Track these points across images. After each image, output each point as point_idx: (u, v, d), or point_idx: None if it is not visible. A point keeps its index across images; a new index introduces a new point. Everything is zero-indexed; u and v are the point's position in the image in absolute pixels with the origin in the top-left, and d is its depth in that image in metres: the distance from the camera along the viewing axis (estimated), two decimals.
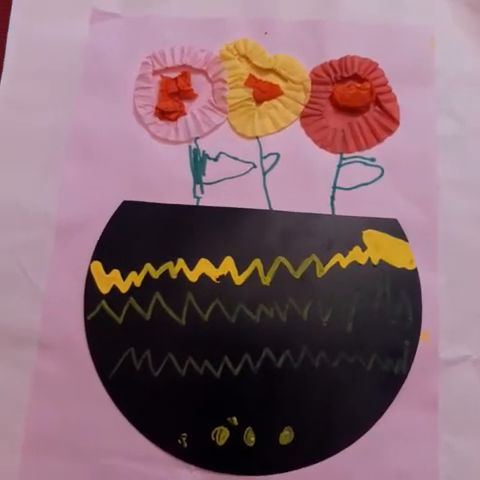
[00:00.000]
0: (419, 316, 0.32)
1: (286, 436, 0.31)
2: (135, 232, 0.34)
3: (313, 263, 0.33)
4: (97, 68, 0.37)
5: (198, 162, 0.35)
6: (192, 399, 0.32)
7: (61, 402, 0.32)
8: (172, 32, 0.37)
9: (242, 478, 0.31)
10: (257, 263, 0.33)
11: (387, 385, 0.32)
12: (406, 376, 0.32)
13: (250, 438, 0.31)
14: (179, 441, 0.31)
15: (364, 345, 0.32)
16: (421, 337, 0.32)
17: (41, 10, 0.38)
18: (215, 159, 0.35)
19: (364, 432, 0.31)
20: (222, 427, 0.31)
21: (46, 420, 0.31)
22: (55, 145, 0.35)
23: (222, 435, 0.31)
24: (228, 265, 0.33)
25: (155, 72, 0.37)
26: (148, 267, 0.33)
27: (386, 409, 0.31)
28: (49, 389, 0.32)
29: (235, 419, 0.31)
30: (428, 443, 0.31)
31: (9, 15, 0.38)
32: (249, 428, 0.31)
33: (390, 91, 0.36)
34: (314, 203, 0.34)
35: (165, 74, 0.37)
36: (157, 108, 0.36)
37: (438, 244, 0.33)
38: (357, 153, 0.35)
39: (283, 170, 0.35)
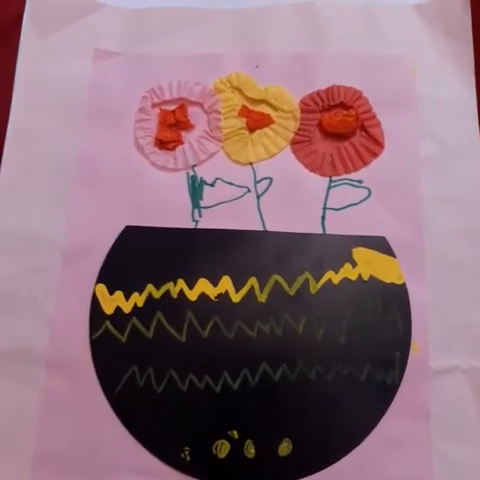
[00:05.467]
0: (409, 328, 0.34)
1: (285, 447, 0.32)
2: (137, 255, 0.36)
3: (306, 280, 0.35)
4: (100, 103, 0.39)
5: (196, 188, 0.37)
6: (194, 414, 0.33)
7: (68, 419, 0.33)
8: (169, 68, 0.40)
9: None
10: (253, 281, 0.35)
11: (380, 395, 0.33)
12: (398, 386, 0.33)
13: (250, 450, 0.32)
14: (182, 455, 0.32)
15: (357, 357, 0.33)
16: (411, 348, 0.33)
17: (46, 51, 0.40)
18: (212, 184, 0.37)
19: (360, 442, 0.32)
20: (223, 440, 0.32)
21: (54, 437, 0.32)
22: (62, 175, 0.37)
23: (223, 448, 0.32)
24: (226, 284, 0.35)
25: (154, 105, 0.39)
26: (150, 288, 0.35)
27: (380, 419, 0.32)
28: (57, 407, 0.33)
29: (235, 432, 0.32)
30: (422, 451, 0.32)
31: (16, 55, 0.40)
32: (249, 441, 0.32)
33: (374, 117, 0.38)
34: (306, 223, 0.36)
35: (163, 107, 0.39)
36: (156, 138, 0.38)
37: (425, 259, 0.35)
38: (345, 176, 0.37)
39: (276, 193, 0.37)
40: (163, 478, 0.32)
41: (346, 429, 0.32)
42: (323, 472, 0.32)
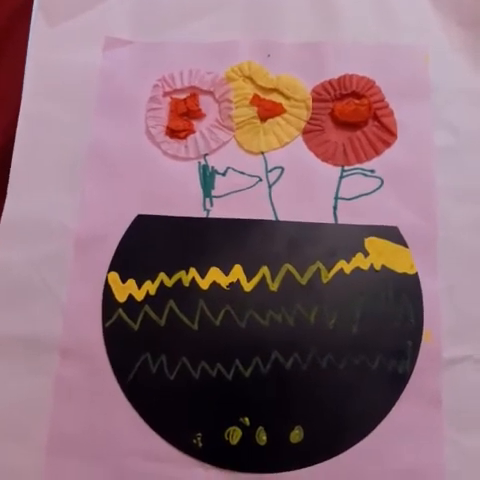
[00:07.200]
0: (421, 318, 0.34)
1: (296, 435, 0.32)
2: (149, 244, 0.36)
3: (318, 270, 0.35)
4: (111, 91, 0.39)
5: (207, 177, 0.37)
6: (206, 401, 0.33)
7: (82, 406, 0.33)
8: (180, 56, 0.40)
9: (255, 476, 0.32)
10: (265, 270, 0.35)
11: (392, 384, 0.33)
12: (410, 375, 0.33)
13: (262, 437, 0.32)
14: (194, 441, 0.32)
15: (369, 346, 0.33)
16: (423, 338, 0.33)
17: (56, 39, 0.40)
18: (223, 174, 0.37)
19: (371, 430, 0.32)
20: (235, 427, 0.33)
21: (68, 423, 0.33)
22: (73, 163, 0.37)
23: (235, 435, 0.32)
24: (237, 273, 0.35)
25: (165, 94, 0.39)
26: (162, 276, 0.35)
27: (392, 407, 0.32)
28: (70, 393, 0.33)
29: (247, 419, 0.33)
30: (434, 439, 0.32)
31: (27, 43, 0.40)
32: (261, 428, 0.32)
33: (387, 106, 0.38)
34: (318, 213, 0.36)
35: (175, 95, 0.39)
36: (168, 127, 0.38)
37: (437, 249, 0.35)
38: (357, 165, 0.37)
39: (287, 182, 0.37)
40: (175, 464, 0.32)
41: (357, 417, 0.32)
42: (334, 459, 0.32)
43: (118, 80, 0.40)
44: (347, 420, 0.33)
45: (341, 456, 0.32)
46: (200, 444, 0.32)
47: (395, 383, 0.33)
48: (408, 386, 0.33)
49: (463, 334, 0.34)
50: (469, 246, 0.35)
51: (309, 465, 0.32)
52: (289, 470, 0.32)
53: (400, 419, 0.32)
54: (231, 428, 0.33)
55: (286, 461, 0.32)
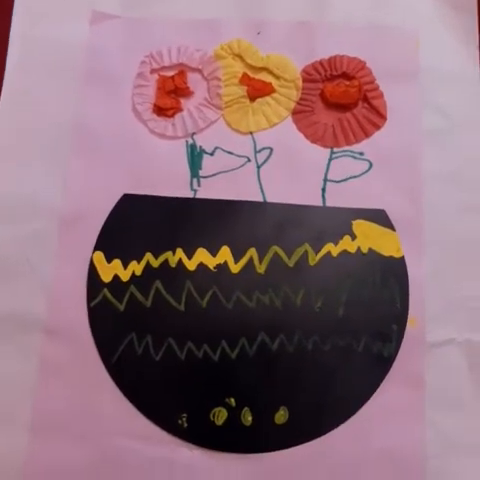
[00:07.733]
0: (406, 301, 0.34)
1: (281, 416, 0.33)
2: (135, 223, 0.35)
3: (306, 252, 0.35)
4: (97, 67, 0.38)
5: (195, 156, 0.37)
6: (192, 381, 0.33)
7: (66, 386, 0.33)
8: (169, 33, 0.39)
9: (239, 456, 0.32)
10: (252, 252, 0.35)
11: (377, 367, 0.33)
12: (394, 358, 0.33)
13: (247, 418, 0.33)
14: (179, 421, 0.32)
15: (355, 329, 0.34)
16: (408, 321, 0.34)
17: (42, 12, 0.39)
18: (211, 153, 0.37)
19: (355, 411, 0.32)
20: (220, 408, 0.33)
21: (52, 402, 0.33)
22: (59, 140, 0.37)
23: (220, 415, 0.33)
24: (225, 254, 0.35)
25: (153, 71, 0.38)
26: (148, 256, 0.35)
27: (376, 389, 0.33)
28: (55, 373, 0.33)
29: (233, 400, 0.33)
30: (415, 421, 0.32)
31: (11, 16, 0.39)
32: (246, 408, 0.33)
33: (377, 88, 0.38)
34: (306, 195, 0.36)
35: (162, 72, 0.38)
36: (155, 105, 0.37)
37: (424, 233, 0.35)
38: (346, 147, 0.37)
39: (276, 164, 0.37)
40: (160, 444, 0.32)
41: (342, 398, 0.33)
42: (318, 440, 0.32)
43: (105, 55, 0.38)
44: (332, 401, 0.33)
45: (325, 437, 0.32)
46: (185, 424, 0.32)
47: (380, 366, 0.33)
48: (392, 369, 0.33)
49: (447, 318, 0.34)
50: (455, 230, 0.35)
51: (293, 446, 0.32)
52: (273, 450, 0.32)
53: (384, 401, 0.33)
54: (217, 409, 0.33)
55: (271, 441, 0.32)
